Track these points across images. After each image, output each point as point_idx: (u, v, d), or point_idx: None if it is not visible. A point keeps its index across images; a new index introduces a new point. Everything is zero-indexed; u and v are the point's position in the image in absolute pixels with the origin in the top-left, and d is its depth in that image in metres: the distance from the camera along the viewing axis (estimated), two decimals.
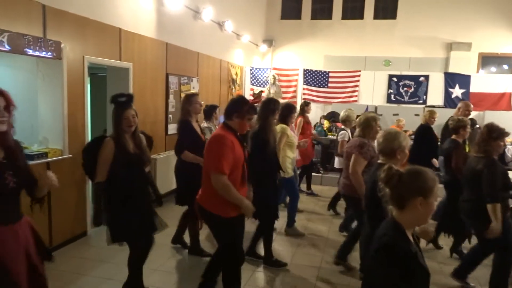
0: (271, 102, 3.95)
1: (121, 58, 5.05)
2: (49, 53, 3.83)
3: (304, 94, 9.82)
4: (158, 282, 3.57)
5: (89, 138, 4.65)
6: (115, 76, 5.22)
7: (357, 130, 3.87)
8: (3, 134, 2.03)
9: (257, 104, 4.28)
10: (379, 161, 2.72)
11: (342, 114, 5.62)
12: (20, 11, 3.62)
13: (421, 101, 9.23)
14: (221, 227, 2.86)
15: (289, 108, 4.68)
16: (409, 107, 9.03)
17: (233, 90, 9.26)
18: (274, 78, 9.65)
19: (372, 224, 2.63)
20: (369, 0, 10.56)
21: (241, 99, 3.02)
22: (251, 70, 10.09)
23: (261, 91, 8.10)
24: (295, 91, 9.98)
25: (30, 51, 3.60)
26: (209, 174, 2.76)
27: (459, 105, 5.66)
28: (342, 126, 5.59)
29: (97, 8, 4.61)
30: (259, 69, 10.14)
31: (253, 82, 10.08)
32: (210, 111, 4.99)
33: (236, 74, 9.46)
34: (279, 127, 4.44)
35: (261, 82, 9.98)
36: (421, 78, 9.26)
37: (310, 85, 9.86)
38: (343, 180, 3.86)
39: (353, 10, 10.76)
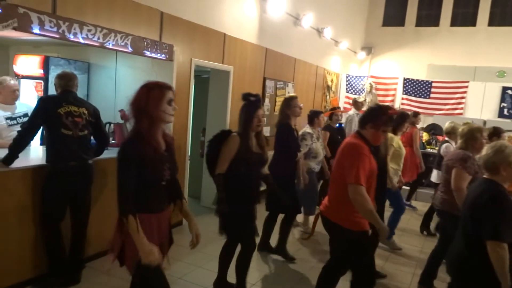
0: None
1: (223, 62, 5.36)
2: (163, 55, 4.23)
3: (402, 104, 9.36)
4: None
5: (190, 135, 5.01)
6: (217, 78, 5.55)
7: (460, 141, 3.56)
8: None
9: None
10: (484, 176, 2.45)
11: (447, 125, 5.27)
12: (143, 17, 4.06)
13: None
14: (348, 242, 2.68)
15: (403, 116, 4.54)
16: None
17: (327, 97, 9.20)
18: (371, 86, 9.36)
19: (466, 242, 2.41)
20: (484, 5, 9.69)
21: (379, 108, 2.84)
22: (347, 77, 9.91)
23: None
24: (392, 100, 9.56)
25: (148, 53, 4.02)
26: (340, 184, 2.63)
27: None
28: (446, 138, 5.22)
29: (206, 14, 4.96)
30: (356, 76, 9.92)
31: (348, 89, 9.89)
32: (313, 117, 4.91)
33: (332, 81, 9.38)
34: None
35: (357, 90, 9.75)
36: None
37: (410, 95, 9.36)
38: (441, 195, 3.56)
39: (464, 17, 9.97)
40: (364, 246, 2.71)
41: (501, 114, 8.55)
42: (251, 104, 3.02)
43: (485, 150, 2.44)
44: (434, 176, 5.32)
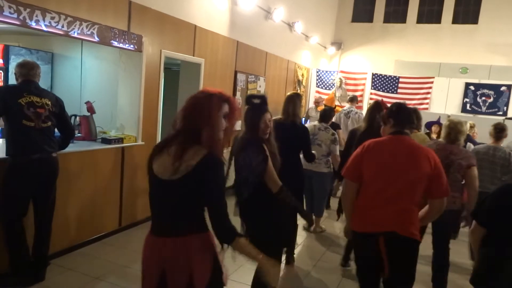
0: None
1: (194, 54, 5.27)
2: (131, 46, 4.11)
3: (371, 99, 9.55)
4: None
5: (160, 128, 4.91)
6: (187, 71, 5.46)
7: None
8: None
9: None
10: None
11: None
12: (110, 6, 3.92)
13: (500, 112, 8.56)
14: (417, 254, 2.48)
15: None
16: (486, 118, 8.40)
17: (298, 91, 9.25)
18: (341, 81, 9.48)
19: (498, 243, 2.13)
20: (448, 3, 10.01)
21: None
22: (317, 72, 10.01)
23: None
24: (361, 95, 9.75)
25: (115, 43, 3.89)
26: (418, 195, 2.37)
27: None
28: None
29: (176, 5, 4.86)
30: (326, 71, 10.03)
31: (318, 84, 9.99)
32: (331, 114, 4.98)
33: (303, 75, 9.44)
34: (421, 136, 4.17)
35: (327, 84, 9.86)
36: (503, 88, 8.59)
37: (378, 90, 9.57)
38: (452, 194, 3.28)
39: (429, 14, 10.26)
40: None
41: (464, 109, 8.90)
42: (255, 108, 2.67)
43: None
44: None
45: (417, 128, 4.28)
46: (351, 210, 2.51)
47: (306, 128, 3.99)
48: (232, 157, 2.74)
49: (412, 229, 2.34)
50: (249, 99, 2.71)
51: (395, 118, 2.52)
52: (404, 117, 2.52)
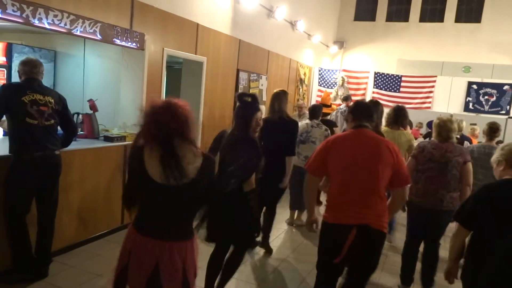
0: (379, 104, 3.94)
1: (196, 52, 5.28)
2: (134, 44, 4.12)
3: (373, 98, 9.54)
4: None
5: None
6: (189, 69, 5.47)
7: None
8: None
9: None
10: (507, 177, 2.15)
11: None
12: (112, 3, 3.93)
13: (503, 112, 8.55)
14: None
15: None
16: (489, 117, 8.36)
17: (300, 90, 9.25)
18: (343, 80, 9.48)
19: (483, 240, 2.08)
20: (451, 2, 9.98)
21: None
22: (319, 71, 10.00)
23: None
24: (364, 94, 9.75)
25: (118, 41, 3.90)
26: (384, 187, 2.42)
27: None
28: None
29: (178, 3, 4.86)
30: (328, 70, 10.02)
31: (321, 83, 9.99)
32: (320, 111, 4.94)
33: (305, 74, 9.44)
34: (408, 134, 4.17)
35: (329, 83, 9.86)
36: (505, 87, 8.57)
37: (381, 89, 9.56)
38: (450, 194, 3.26)
39: (432, 13, 10.24)
40: None
41: (466, 108, 8.88)
42: (247, 105, 2.71)
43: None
44: None
45: (404, 126, 4.32)
46: (313, 203, 2.64)
47: (295, 121, 4.01)
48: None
49: (382, 222, 2.40)
50: (240, 97, 2.77)
51: (353, 113, 2.62)
52: (361, 111, 2.60)
